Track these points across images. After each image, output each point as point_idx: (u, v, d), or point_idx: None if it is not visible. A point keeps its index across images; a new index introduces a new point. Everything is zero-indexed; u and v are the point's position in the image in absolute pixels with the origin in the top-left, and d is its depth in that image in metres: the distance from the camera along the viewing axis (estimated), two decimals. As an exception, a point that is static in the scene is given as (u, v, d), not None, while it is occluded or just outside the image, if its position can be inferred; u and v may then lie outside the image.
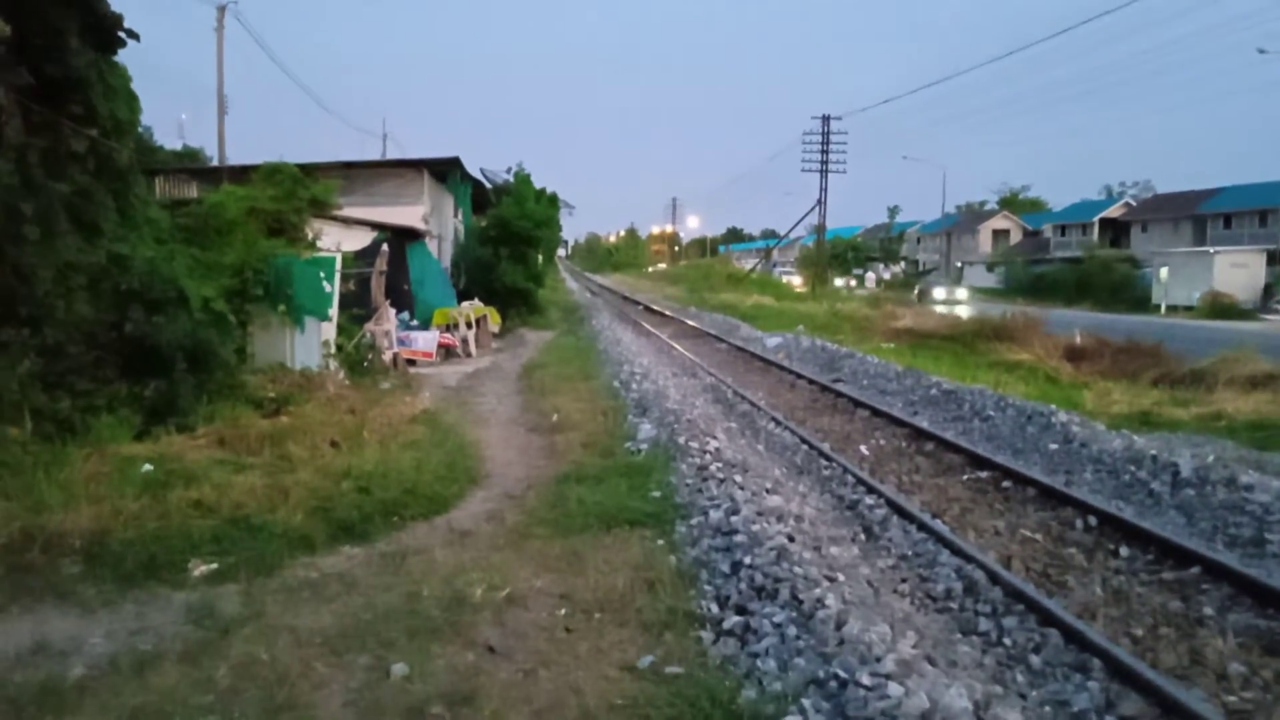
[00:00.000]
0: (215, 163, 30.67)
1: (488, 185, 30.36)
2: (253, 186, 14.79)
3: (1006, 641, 5.18)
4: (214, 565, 6.12)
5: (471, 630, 5.09)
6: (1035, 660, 4.93)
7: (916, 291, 53.10)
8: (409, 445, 9.07)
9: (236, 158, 30.29)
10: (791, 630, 4.52)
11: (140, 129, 15.33)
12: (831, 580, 5.14)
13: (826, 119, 53.00)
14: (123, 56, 10.08)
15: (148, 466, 7.59)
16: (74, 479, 7.23)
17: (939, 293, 50.63)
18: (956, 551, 6.54)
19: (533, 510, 7.39)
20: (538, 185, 29.25)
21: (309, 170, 16.13)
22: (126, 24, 9.74)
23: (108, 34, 9.72)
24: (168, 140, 36.24)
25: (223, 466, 7.87)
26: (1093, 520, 7.47)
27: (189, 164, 28.19)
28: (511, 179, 29.73)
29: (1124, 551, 6.82)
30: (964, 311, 34.51)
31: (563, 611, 5.34)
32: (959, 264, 78.28)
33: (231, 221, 12.83)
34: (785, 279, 64.92)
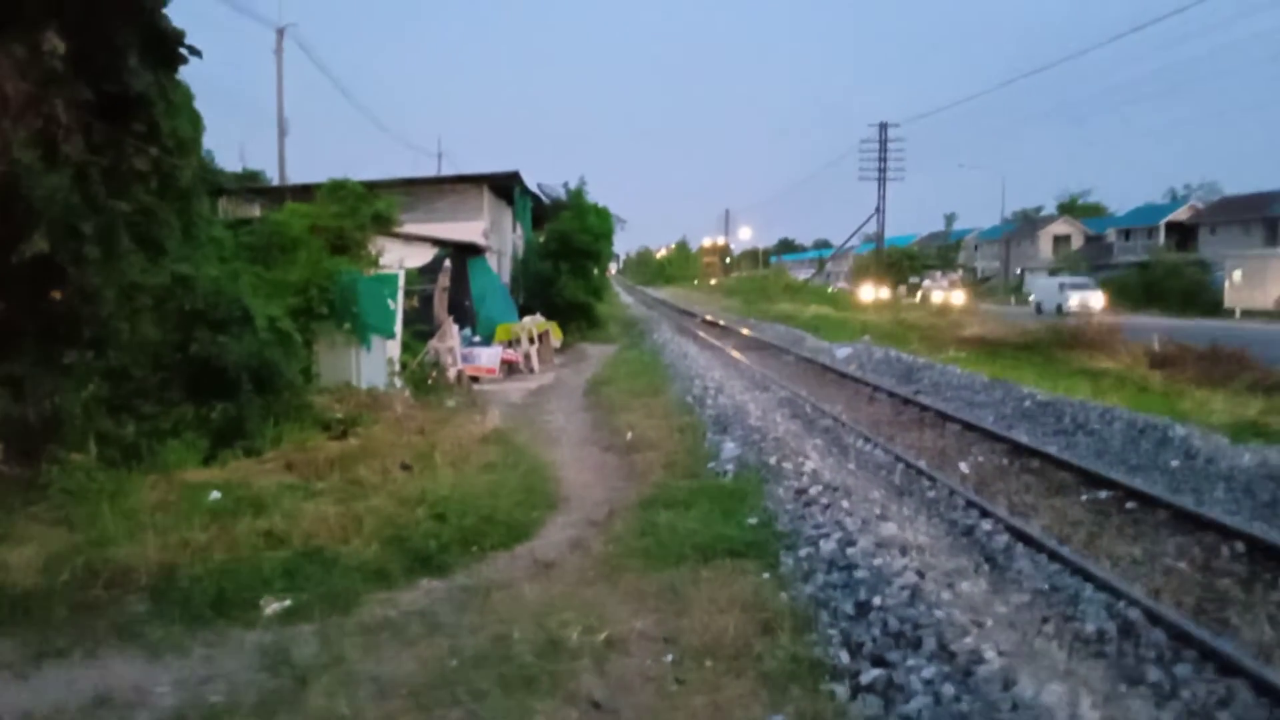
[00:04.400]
0: (276, 183, 30.83)
1: (545, 200, 30.10)
2: (316, 204, 14.57)
3: (1184, 694, 4.50)
4: (286, 602, 5.71)
5: (571, 680, 4.58)
6: (1225, 718, 4.26)
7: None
8: (483, 468, 8.65)
9: (295, 179, 30.43)
10: (948, 689, 3.91)
11: (203, 150, 15.25)
12: (980, 626, 4.52)
13: (884, 126, 52.22)
14: (184, 77, 9.88)
15: (215, 494, 7.25)
16: (140, 508, 6.93)
17: None
18: (1102, 586, 5.85)
19: (620, 538, 6.87)
20: (590, 200, 28.97)
21: (371, 187, 15.92)
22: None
23: (169, 50, 9.47)
24: (228, 163, 36.51)
25: (292, 493, 7.51)
26: (1240, 546, 6.73)
27: (249, 185, 28.29)
28: (565, 194, 29.48)
29: (1286, 583, 6.08)
30: None
31: (669, 658, 4.80)
32: (1019, 270, 76.45)
33: (295, 239, 12.59)
34: (839, 287, 63.31)
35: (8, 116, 7.17)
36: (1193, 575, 6.34)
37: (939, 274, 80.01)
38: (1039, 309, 44.55)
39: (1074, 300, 42.12)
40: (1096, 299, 42.60)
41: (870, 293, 55.97)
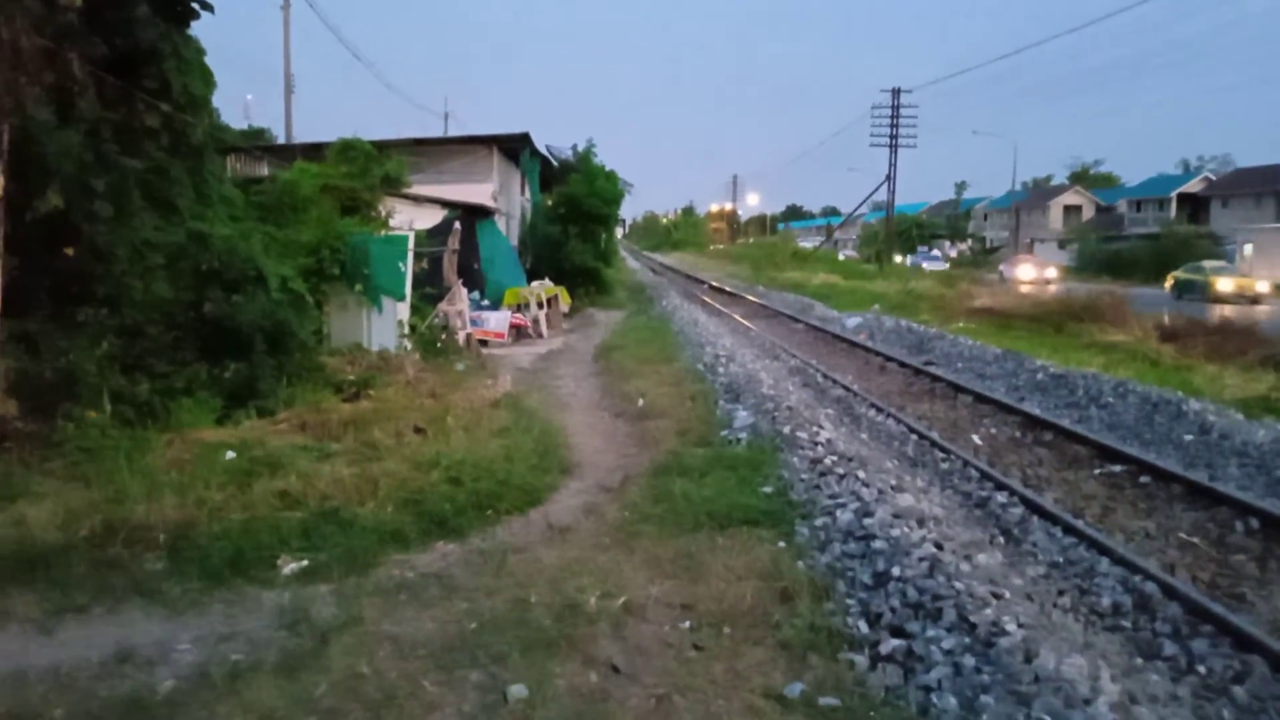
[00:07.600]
0: (282, 142, 30.61)
1: (554, 162, 29.87)
2: (326, 164, 14.48)
3: (1200, 669, 4.52)
4: (304, 562, 5.74)
5: (590, 645, 4.60)
6: (1240, 693, 4.27)
7: (999, 271, 46.39)
8: (496, 432, 8.63)
9: (301, 138, 30.19)
10: (968, 660, 3.92)
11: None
12: (998, 598, 4.53)
13: (896, 92, 51.48)
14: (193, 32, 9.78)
15: (231, 453, 7.27)
16: (155, 466, 6.96)
17: None
18: (1118, 560, 5.86)
19: (634, 505, 6.87)
20: (599, 163, 28.70)
21: (380, 147, 15.82)
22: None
23: (181, 5, 9.39)
24: (233, 120, 36.24)
25: (306, 453, 7.53)
26: (1254, 522, 6.73)
27: (257, 143, 28.07)
28: (574, 157, 29.23)
29: (1301, 560, 6.09)
30: None
31: (687, 625, 4.82)
32: (1028, 240, 76.00)
33: (306, 199, 12.53)
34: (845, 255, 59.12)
35: (23, 72, 7.09)
36: (1206, 550, 6.35)
37: (947, 244, 79.35)
38: None
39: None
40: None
41: (1030, 272, 42.42)
